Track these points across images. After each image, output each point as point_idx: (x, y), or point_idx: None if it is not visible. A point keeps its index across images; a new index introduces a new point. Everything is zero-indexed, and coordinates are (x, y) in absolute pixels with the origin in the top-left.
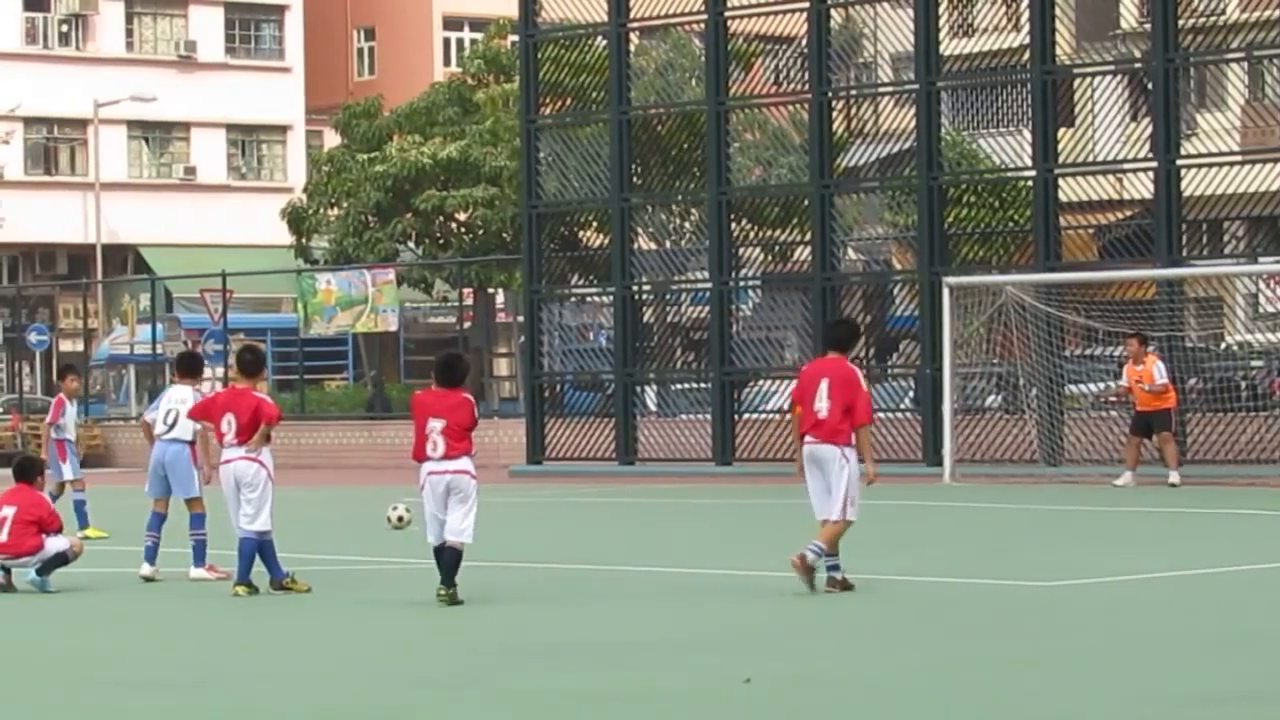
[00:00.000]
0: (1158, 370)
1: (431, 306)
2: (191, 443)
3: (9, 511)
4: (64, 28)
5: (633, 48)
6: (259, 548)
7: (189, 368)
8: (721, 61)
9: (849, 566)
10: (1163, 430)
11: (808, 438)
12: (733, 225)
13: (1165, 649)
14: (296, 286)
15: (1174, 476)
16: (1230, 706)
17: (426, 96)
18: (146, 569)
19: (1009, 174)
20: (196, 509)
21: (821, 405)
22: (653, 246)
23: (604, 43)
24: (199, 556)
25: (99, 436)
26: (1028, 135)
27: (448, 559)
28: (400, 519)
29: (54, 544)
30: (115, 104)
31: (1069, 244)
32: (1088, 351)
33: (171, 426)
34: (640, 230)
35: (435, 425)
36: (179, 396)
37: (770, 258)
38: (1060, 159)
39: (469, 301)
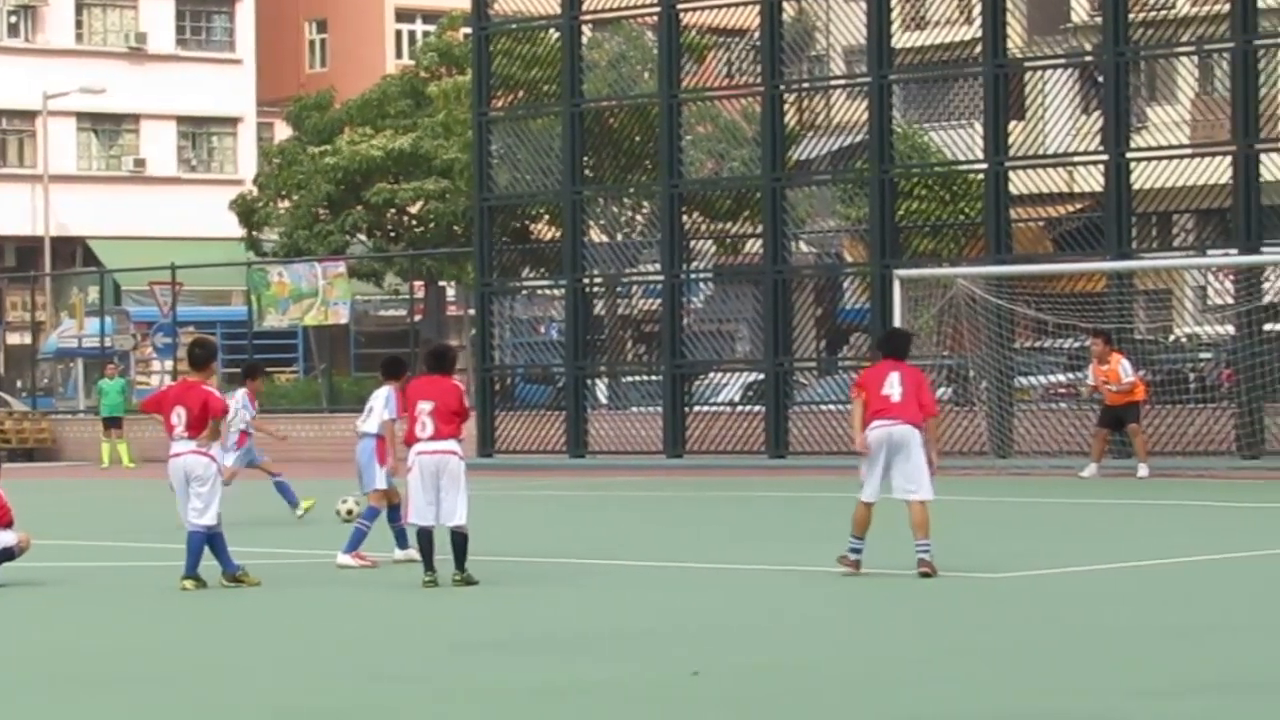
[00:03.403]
0: (1123, 369)
1: (382, 299)
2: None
3: None
4: (13, 18)
5: (585, 40)
6: (209, 541)
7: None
8: (674, 54)
9: (809, 556)
10: (1132, 422)
11: (876, 422)
12: (684, 218)
13: (1115, 641)
14: (248, 279)
15: (1142, 470)
16: (1181, 698)
17: (378, 89)
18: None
19: (960, 167)
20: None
21: (894, 391)
22: (604, 239)
23: (556, 35)
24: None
25: (46, 430)
26: (979, 128)
27: (457, 543)
28: (350, 512)
29: (1, 539)
30: (64, 95)
31: (1020, 237)
32: (1038, 344)
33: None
34: (592, 223)
35: (425, 407)
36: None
37: (722, 250)
38: (1011, 152)
39: (420, 294)
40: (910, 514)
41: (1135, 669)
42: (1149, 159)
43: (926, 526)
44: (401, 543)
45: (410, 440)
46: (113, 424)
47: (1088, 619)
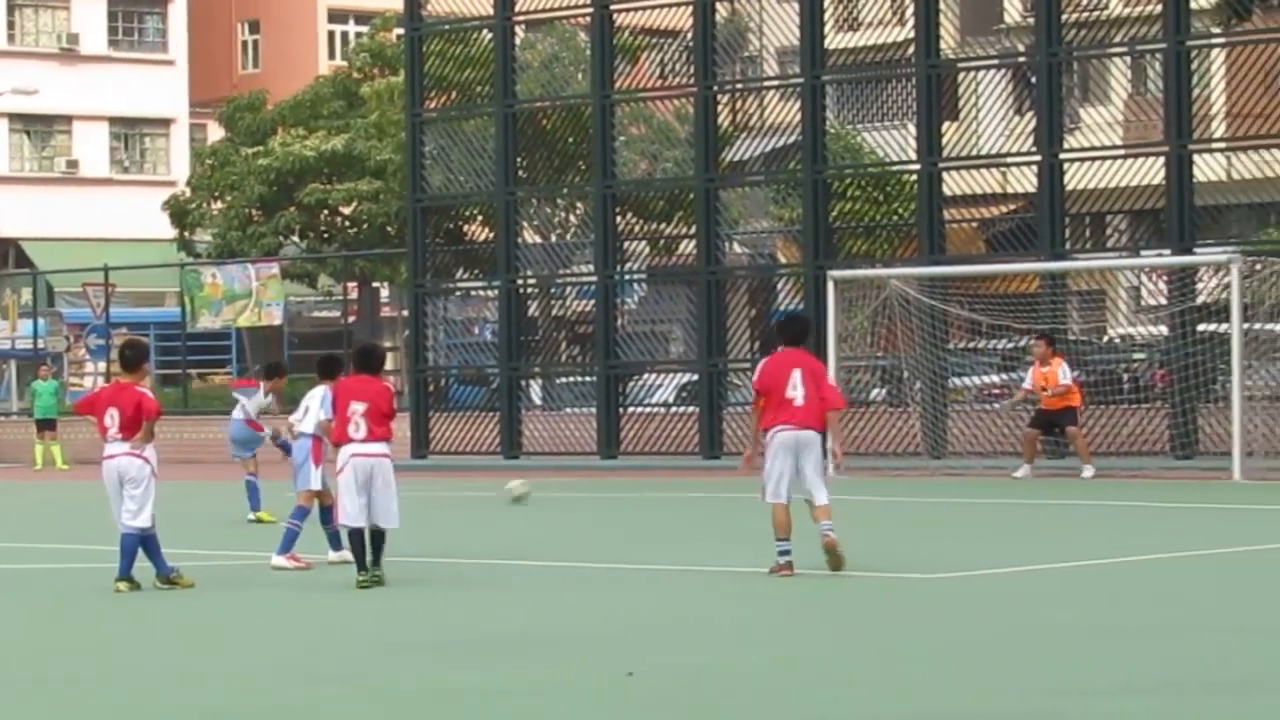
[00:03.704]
0: (1062, 373)
1: (316, 300)
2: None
3: None
4: None
5: (518, 41)
6: (143, 543)
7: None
8: (607, 55)
9: (743, 557)
10: (1070, 426)
11: (784, 426)
12: (618, 219)
13: (1049, 641)
14: (181, 281)
15: (1087, 471)
16: (1116, 698)
17: (311, 90)
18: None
19: (893, 168)
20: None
21: (797, 394)
22: (538, 240)
23: (489, 36)
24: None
25: None
26: (912, 129)
27: (378, 541)
28: (521, 497)
29: None
30: None
31: (953, 237)
32: (971, 345)
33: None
34: (525, 224)
35: (357, 408)
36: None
37: (655, 251)
38: (944, 153)
39: (353, 295)
40: (813, 510)
41: (1068, 669)
42: (1082, 159)
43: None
44: (335, 544)
45: (342, 440)
46: (46, 426)
47: (1021, 619)
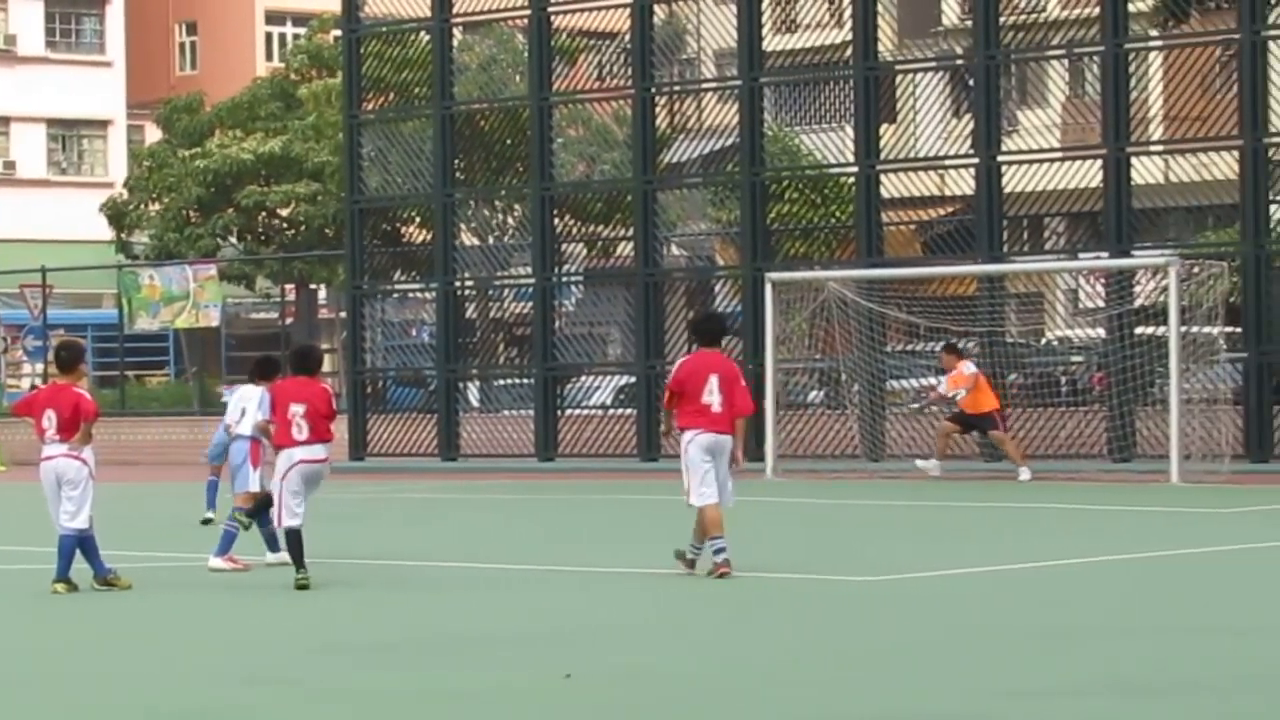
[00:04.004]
0: (965, 367)
1: (254, 302)
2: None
3: None
4: None
5: (456, 43)
6: (80, 544)
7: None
8: (545, 57)
9: (673, 560)
10: (992, 431)
11: (703, 429)
12: (556, 221)
13: (987, 643)
14: (118, 282)
15: (1024, 473)
16: (1052, 699)
17: (249, 91)
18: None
19: (831, 170)
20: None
21: (714, 399)
22: (476, 242)
23: (427, 38)
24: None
25: None
26: (850, 131)
27: (301, 540)
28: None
29: None
30: None
31: (891, 240)
32: (910, 347)
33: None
34: (463, 226)
35: (297, 410)
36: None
37: (593, 253)
38: (882, 155)
39: (291, 297)
40: (704, 513)
41: (1008, 670)
42: (1020, 162)
43: (721, 525)
44: (272, 546)
45: (284, 443)
46: None
47: (960, 621)
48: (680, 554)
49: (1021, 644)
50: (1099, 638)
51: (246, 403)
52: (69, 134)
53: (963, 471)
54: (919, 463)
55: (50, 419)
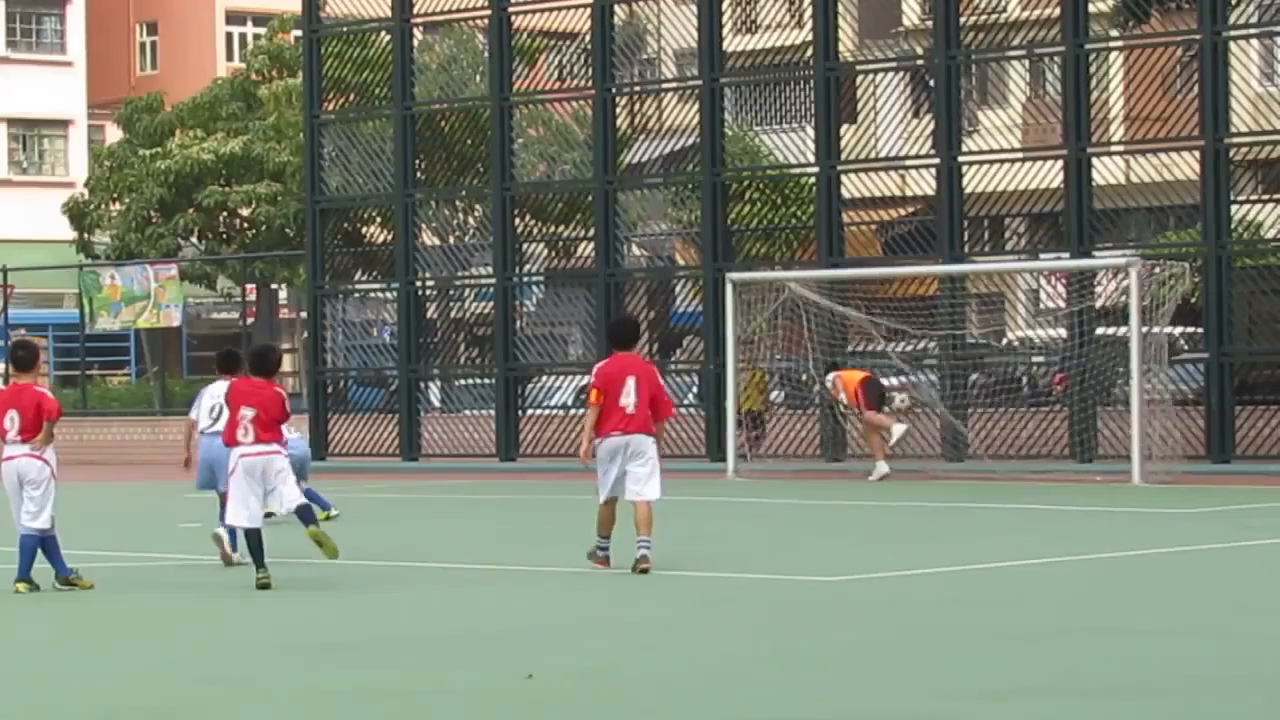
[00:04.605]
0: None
1: (215, 302)
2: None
3: None
4: None
5: (416, 43)
6: (42, 544)
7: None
8: (505, 57)
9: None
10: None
11: (617, 432)
12: (516, 221)
13: (948, 644)
14: (79, 282)
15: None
16: (1011, 700)
17: (209, 92)
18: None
19: (792, 170)
20: None
21: (630, 401)
22: (436, 242)
23: (387, 38)
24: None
25: None
26: (810, 132)
27: (260, 540)
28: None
29: None
30: None
31: (852, 240)
32: (870, 348)
33: (215, 420)
34: (424, 226)
35: (247, 414)
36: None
37: (554, 254)
38: (843, 155)
39: (252, 297)
40: (636, 512)
41: (965, 671)
42: (981, 162)
43: (650, 524)
44: (232, 545)
45: (231, 443)
46: None
47: (918, 621)
48: (591, 553)
49: (979, 644)
50: (1057, 638)
51: (216, 400)
52: (29, 134)
53: (924, 472)
54: (870, 478)
55: (12, 420)
